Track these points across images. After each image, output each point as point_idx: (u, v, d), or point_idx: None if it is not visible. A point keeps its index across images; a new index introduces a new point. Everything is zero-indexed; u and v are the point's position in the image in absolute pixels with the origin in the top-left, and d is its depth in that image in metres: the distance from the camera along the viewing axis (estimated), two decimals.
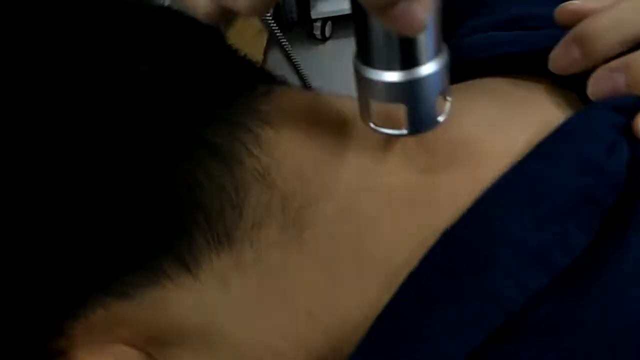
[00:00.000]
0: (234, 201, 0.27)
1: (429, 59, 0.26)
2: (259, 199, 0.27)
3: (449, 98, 0.28)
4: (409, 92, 0.26)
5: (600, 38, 0.31)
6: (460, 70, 0.38)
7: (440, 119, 0.28)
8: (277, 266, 0.27)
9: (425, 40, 0.25)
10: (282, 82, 0.35)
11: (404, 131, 0.28)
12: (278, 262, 0.27)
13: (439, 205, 0.28)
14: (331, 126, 0.31)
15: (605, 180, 0.27)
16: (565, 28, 0.33)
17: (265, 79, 0.34)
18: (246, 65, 0.34)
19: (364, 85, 0.27)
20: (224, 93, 0.30)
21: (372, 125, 0.28)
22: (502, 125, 0.31)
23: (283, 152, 0.29)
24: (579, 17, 0.33)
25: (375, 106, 0.27)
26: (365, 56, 0.26)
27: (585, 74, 0.31)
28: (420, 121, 0.27)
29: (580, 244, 0.26)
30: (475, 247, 0.26)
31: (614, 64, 0.31)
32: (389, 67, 0.26)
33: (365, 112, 0.28)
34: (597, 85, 0.31)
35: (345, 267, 0.28)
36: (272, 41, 1.58)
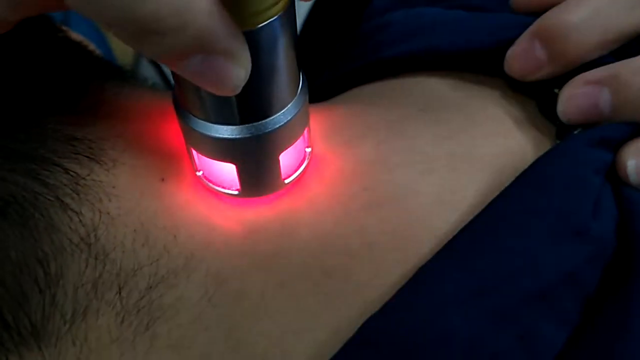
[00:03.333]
0: (41, 282, 0.20)
1: (270, 112, 0.20)
2: (82, 276, 0.20)
3: (308, 149, 0.23)
4: (241, 151, 0.21)
5: (573, 35, 0.23)
6: (374, 67, 0.29)
7: (290, 179, 0.23)
8: None
9: (260, 92, 0.20)
10: (130, 79, 0.26)
11: (234, 191, 0.22)
12: None
13: (353, 288, 0.21)
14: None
15: (589, 251, 0.20)
16: (527, 15, 0.26)
17: (99, 78, 0.25)
18: (66, 62, 0.24)
19: (187, 132, 0.21)
20: (13, 113, 0.21)
21: (199, 174, 0.23)
22: (441, 164, 0.24)
23: (117, 201, 0.21)
24: (542, 5, 0.25)
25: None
26: (185, 102, 0.21)
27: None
28: (256, 184, 0.22)
29: (554, 343, 0.20)
30: (405, 352, 0.19)
31: (595, 74, 0.23)
32: (216, 120, 0.20)
33: (191, 159, 0.23)
34: (572, 103, 0.23)
35: None
36: None
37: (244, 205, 0.23)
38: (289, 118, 0.21)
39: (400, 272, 0.21)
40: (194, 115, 0.20)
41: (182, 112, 0.21)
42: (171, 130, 0.23)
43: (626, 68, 0.22)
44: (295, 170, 0.23)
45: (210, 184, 0.22)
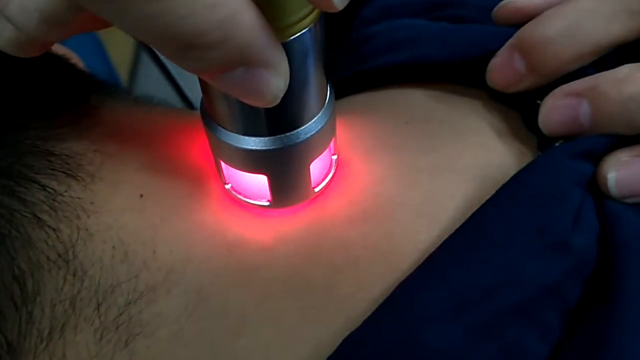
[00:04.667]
0: (17, 299, 0.20)
1: (301, 123, 0.20)
2: (60, 293, 0.20)
3: (334, 157, 0.23)
4: (273, 162, 0.21)
5: (550, 48, 0.23)
6: (363, 77, 0.29)
7: (319, 187, 0.23)
8: None
9: (291, 103, 0.19)
10: (113, 93, 0.26)
11: (265, 202, 0.22)
12: None
13: (336, 309, 0.21)
14: (178, 169, 0.23)
15: (570, 264, 0.20)
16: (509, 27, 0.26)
17: (80, 92, 0.24)
18: (47, 77, 0.24)
19: (216, 145, 0.21)
20: None
21: (227, 187, 0.23)
22: (424, 177, 0.23)
23: (96, 217, 0.21)
24: (523, 17, 0.25)
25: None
26: (215, 114, 0.20)
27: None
28: (287, 194, 0.22)
29: (537, 356, 0.20)
30: None
31: (575, 86, 0.23)
32: (246, 132, 0.20)
33: (220, 172, 0.23)
34: (552, 115, 0.23)
35: None
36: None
37: (225, 220, 0.22)
38: (319, 127, 0.21)
39: (383, 286, 0.21)
40: (224, 128, 0.20)
41: (212, 125, 0.20)
42: (150, 145, 0.23)
43: (604, 80, 0.22)
44: (324, 178, 0.23)
45: (240, 196, 0.22)
